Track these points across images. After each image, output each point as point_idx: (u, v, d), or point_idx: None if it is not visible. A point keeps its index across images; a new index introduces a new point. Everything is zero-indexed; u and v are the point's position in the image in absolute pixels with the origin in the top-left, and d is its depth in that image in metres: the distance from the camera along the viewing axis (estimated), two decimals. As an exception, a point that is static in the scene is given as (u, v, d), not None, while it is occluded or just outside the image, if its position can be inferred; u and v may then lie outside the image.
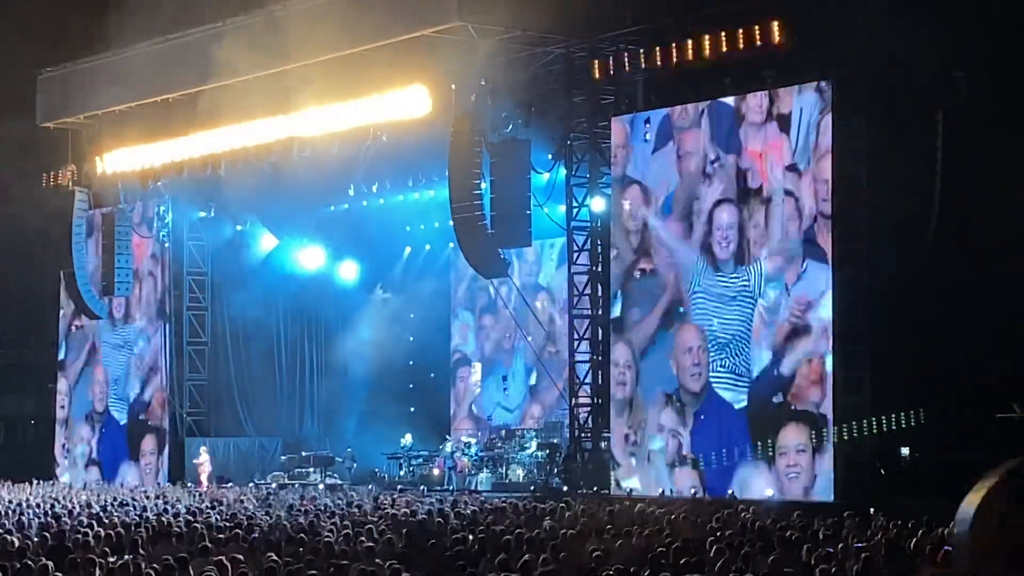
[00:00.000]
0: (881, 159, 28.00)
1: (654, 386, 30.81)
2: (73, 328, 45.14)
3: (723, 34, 29.46)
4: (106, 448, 43.84)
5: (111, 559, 16.57)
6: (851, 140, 28.37)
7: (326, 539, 18.52)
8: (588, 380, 32.97)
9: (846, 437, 27.66)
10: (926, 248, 27.81)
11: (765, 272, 29.06)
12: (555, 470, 33.90)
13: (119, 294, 42.12)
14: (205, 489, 34.55)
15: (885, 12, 27.49)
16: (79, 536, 19.12)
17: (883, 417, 27.78)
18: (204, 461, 39.51)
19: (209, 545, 17.72)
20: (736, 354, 29.46)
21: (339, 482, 38.06)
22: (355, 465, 40.00)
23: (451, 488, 35.14)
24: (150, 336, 42.87)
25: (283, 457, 41.14)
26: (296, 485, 37.03)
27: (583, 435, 32.82)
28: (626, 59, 31.42)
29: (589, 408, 32.85)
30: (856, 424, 27.79)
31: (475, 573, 15.01)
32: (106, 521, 22.45)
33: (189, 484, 38.04)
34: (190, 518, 22.77)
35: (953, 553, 5.04)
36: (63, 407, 45.35)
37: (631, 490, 30.16)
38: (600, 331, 32.85)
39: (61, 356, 45.61)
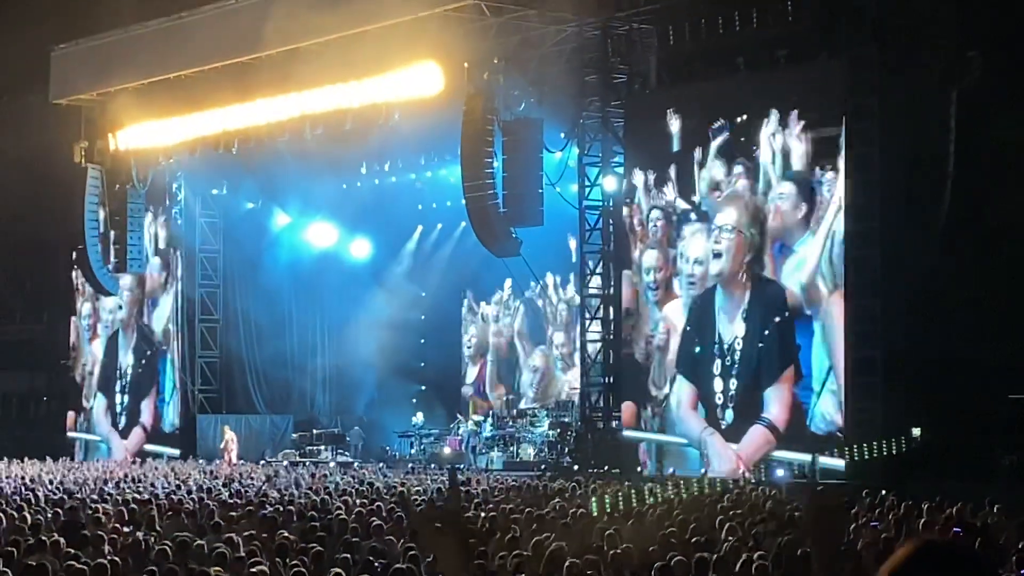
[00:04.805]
0: (894, 141, 27.89)
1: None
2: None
3: (736, 13, 29.37)
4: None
5: (123, 534, 16.63)
6: (864, 121, 28.26)
7: (338, 516, 18.52)
8: (599, 359, 32.94)
9: (858, 418, 27.64)
10: (939, 229, 27.72)
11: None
12: (566, 449, 33.89)
13: (132, 271, 42.18)
14: (231, 470, 34.02)
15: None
16: (91, 512, 19.16)
17: (895, 398, 27.73)
18: (230, 439, 39.24)
19: (221, 522, 17.74)
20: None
21: (350, 460, 38.09)
22: (362, 442, 40.05)
23: (462, 467, 35.14)
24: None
25: (294, 435, 41.22)
26: (307, 463, 37.04)
27: (594, 414, 32.81)
28: (639, 38, 31.32)
29: (600, 387, 32.83)
30: (868, 405, 27.75)
31: (485, 552, 14.99)
32: (118, 497, 22.48)
33: (203, 461, 37.95)
34: (202, 495, 22.79)
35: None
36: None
37: (641, 469, 30.19)
38: (611, 310, 32.79)
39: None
